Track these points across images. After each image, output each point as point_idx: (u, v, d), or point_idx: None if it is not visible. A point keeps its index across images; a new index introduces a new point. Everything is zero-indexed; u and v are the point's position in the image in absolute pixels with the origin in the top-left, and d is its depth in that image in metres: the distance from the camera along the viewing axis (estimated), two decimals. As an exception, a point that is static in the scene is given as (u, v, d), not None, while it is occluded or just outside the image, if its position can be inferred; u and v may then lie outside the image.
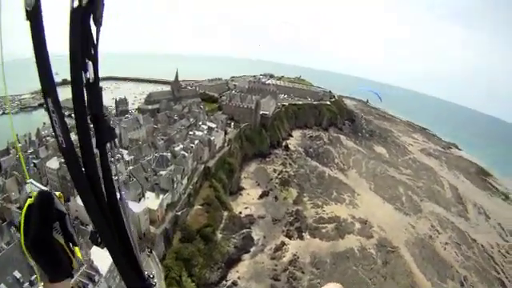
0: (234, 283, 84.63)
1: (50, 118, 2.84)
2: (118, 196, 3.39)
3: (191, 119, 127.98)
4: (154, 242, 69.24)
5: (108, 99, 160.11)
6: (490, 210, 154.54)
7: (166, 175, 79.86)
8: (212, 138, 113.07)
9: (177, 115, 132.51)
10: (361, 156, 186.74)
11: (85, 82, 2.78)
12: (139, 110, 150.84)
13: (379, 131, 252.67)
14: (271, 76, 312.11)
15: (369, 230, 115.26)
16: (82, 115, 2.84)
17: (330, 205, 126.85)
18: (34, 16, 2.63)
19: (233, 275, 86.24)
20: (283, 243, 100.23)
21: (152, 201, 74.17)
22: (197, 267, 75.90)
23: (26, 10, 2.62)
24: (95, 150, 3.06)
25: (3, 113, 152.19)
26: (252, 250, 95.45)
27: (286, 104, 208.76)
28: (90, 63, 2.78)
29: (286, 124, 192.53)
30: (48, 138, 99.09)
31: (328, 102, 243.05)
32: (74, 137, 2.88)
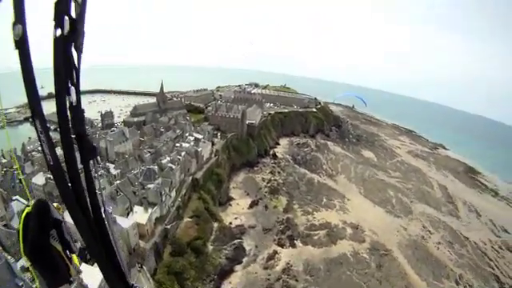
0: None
1: (39, 137, 3.25)
2: (102, 209, 3.79)
3: (178, 131, 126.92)
4: (144, 257, 67.78)
5: (94, 112, 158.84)
6: (480, 207, 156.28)
7: (153, 188, 78.55)
8: (199, 150, 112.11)
9: (163, 127, 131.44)
10: (349, 161, 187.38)
11: (68, 104, 3.20)
12: (125, 122, 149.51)
13: (366, 136, 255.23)
14: (256, 85, 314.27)
15: (361, 234, 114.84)
16: (67, 135, 3.25)
17: (321, 211, 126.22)
18: (22, 45, 2.99)
19: (226, 287, 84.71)
20: (275, 252, 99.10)
21: (140, 215, 72.79)
22: (189, 280, 74.44)
23: (15, 40, 2.98)
24: (79, 166, 3.43)
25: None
26: (244, 260, 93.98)
27: (272, 112, 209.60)
28: (73, 88, 3.22)
29: (272, 132, 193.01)
30: (34, 153, 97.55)
31: (314, 109, 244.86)
32: (59, 151, 3.26)
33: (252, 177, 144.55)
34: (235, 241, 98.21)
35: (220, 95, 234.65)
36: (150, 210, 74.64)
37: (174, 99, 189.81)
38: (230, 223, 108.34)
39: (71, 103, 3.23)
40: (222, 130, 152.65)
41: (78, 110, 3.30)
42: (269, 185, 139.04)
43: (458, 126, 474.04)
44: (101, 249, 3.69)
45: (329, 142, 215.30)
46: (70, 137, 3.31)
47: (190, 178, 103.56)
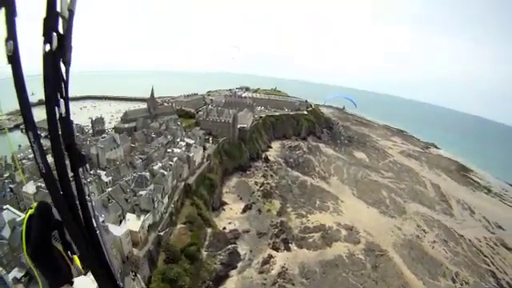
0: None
1: (32, 147, 3.51)
2: (93, 214, 3.93)
3: (169, 136, 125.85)
4: (138, 265, 66.79)
5: (85, 119, 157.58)
6: (473, 204, 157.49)
7: (145, 195, 77.52)
8: (191, 155, 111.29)
9: (154, 133, 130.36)
10: (341, 163, 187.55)
11: (58, 116, 3.38)
12: (116, 129, 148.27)
13: (358, 137, 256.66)
14: (247, 89, 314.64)
15: (355, 235, 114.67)
16: (58, 145, 3.44)
17: (315, 214, 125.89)
18: (14, 60, 3.22)
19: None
20: (270, 256, 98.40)
21: (133, 222, 71.80)
22: (184, 288, 73.80)
23: (7, 55, 3.21)
24: (70, 174, 3.68)
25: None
26: (239, 265, 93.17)
27: (264, 116, 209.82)
28: (62, 100, 3.40)
29: (264, 136, 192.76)
30: (24, 161, 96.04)
31: (305, 112, 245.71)
32: (50, 159, 3.51)
33: (245, 181, 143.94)
34: (229, 246, 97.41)
35: (211, 100, 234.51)
36: (142, 217, 73.72)
37: (165, 104, 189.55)
38: (224, 228, 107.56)
39: (60, 114, 3.39)
40: (214, 134, 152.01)
41: (67, 120, 3.45)
42: (262, 188, 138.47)
43: (448, 124, 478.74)
44: (92, 253, 3.83)
45: (320, 144, 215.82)
46: (61, 146, 3.48)
47: (183, 183, 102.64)
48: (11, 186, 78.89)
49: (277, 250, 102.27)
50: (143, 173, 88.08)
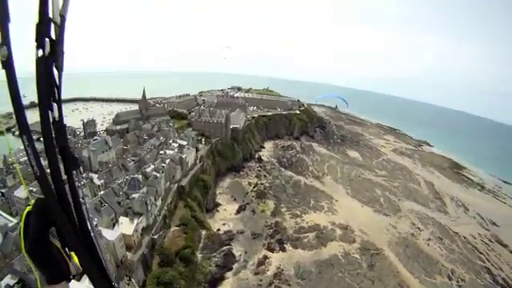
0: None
1: (26, 151, 3.51)
2: (86, 216, 4.04)
3: (161, 138, 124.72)
4: (132, 269, 65.85)
5: (77, 121, 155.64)
6: (467, 201, 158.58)
7: (138, 198, 76.53)
8: (183, 156, 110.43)
9: (146, 134, 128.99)
10: (335, 162, 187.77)
11: (51, 120, 3.47)
12: (107, 131, 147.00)
13: (351, 136, 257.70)
14: (239, 89, 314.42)
15: (350, 234, 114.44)
16: (51, 148, 3.52)
17: (309, 213, 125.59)
18: (8, 65, 3.26)
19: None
20: (266, 257, 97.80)
21: (126, 226, 70.88)
22: (179, 291, 72.93)
23: (1, 61, 3.23)
24: (64, 177, 3.79)
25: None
26: (234, 266, 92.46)
27: (256, 116, 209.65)
28: (55, 104, 3.50)
29: (257, 136, 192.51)
30: (15, 165, 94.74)
31: (298, 111, 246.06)
32: (44, 162, 3.56)
33: (238, 181, 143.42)
34: (224, 247, 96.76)
35: (203, 100, 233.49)
36: (135, 221, 72.77)
37: (157, 105, 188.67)
38: (218, 230, 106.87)
39: (54, 118, 3.47)
40: (206, 135, 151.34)
41: (60, 124, 3.54)
42: (255, 189, 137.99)
43: (440, 122, 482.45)
44: (87, 254, 3.90)
45: (314, 144, 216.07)
46: (55, 150, 3.57)
47: (176, 185, 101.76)
48: (2, 190, 77.83)
49: (272, 250, 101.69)
50: (136, 175, 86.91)
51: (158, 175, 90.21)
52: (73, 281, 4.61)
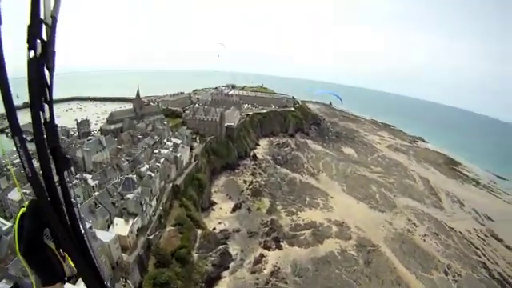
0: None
1: (18, 152, 3.45)
2: (78, 216, 4.05)
3: (155, 137, 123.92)
4: (128, 271, 65.32)
5: (70, 121, 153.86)
6: (463, 197, 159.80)
7: (133, 198, 75.93)
8: (178, 155, 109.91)
9: (140, 134, 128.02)
10: (330, 158, 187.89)
11: (43, 120, 3.49)
12: (101, 130, 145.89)
13: (345, 132, 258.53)
14: (233, 86, 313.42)
15: (346, 231, 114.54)
16: (43, 149, 3.50)
17: (305, 211, 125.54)
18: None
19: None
20: (262, 255, 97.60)
21: (121, 227, 70.26)
22: (176, 291, 72.51)
23: None
24: (55, 177, 3.79)
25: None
26: (231, 265, 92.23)
27: (251, 113, 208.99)
28: (46, 105, 3.51)
29: (252, 134, 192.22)
30: (9, 167, 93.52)
31: (292, 108, 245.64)
32: (36, 163, 3.53)
33: (233, 180, 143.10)
34: (220, 246, 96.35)
35: (197, 98, 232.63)
36: (130, 221, 72.13)
37: (151, 104, 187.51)
38: (214, 229, 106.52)
39: (45, 119, 3.51)
40: (201, 133, 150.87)
41: (51, 125, 3.60)
42: (250, 187, 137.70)
43: (434, 118, 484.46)
44: (79, 254, 3.91)
45: (308, 141, 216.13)
46: (46, 150, 3.56)
47: (171, 184, 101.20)
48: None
49: (268, 248, 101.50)
50: (130, 175, 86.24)
51: (153, 175, 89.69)
52: (68, 284, 4.60)
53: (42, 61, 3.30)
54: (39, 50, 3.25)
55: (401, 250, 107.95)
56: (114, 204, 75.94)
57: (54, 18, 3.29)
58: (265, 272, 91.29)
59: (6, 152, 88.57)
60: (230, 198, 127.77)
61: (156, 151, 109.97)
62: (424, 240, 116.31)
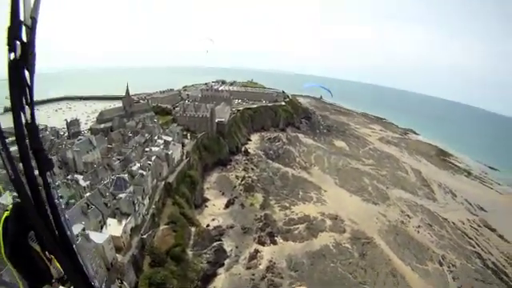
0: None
1: (0, 154, 3.54)
2: (62, 218, 4.08)
3: (146, 135, 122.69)
4: (123, 272, 64.63)
5: (60, 121, 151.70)
6: (455, 187, 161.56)
7: (125, 198, 75.03)
8: (169, 153, 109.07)
9: (131, 132, 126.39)
10: (321, 152, 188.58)
11: (24, 122, 3.50)
12: (92, 130, 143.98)
13: (337, 125, 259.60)
14: (223, 82, 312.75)
15: (340, 224, 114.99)
16: (25, 150, 3.53)
17: (298, 205, 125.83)
18: None
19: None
20: (257, 251, 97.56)
21: (115, 227, 69.47)
22: (172, 290, 72.02)
23: None
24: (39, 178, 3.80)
25: None
26: (226, 262, 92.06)
27: (241, 109, 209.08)
28: (27, 106, 3.52)
29: (243, 129, 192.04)
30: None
31: (283, 103, 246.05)
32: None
33: (225, 175, 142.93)
34: (215, 243, 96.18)
35: (187, 95, 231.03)
36: (123, 221, 71.35)
37: (141, 102, 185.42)
38: (208, 225, 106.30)
39: (26, 120, 3.53)
40: (192, 130, 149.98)
41: (32, 126, 3.59)
42: (243, 182, 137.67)
43: (425, 110, 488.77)
44: (64, 255, 3.99)
45: (300, 135, 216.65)
46: (28, 152, 3.60)
47: (163, 182, 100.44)
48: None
49: (263, 244, 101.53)
50: (122, 175, 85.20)
51: (145, 173, 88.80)
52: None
53: (21, 62, 3.31)
54: (19, 51, 3.25)
55: (395, 242, 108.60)
56: (106, 204, 75.00)
57: (34, 19, 3.31)
58: (260, 267, 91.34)
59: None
60: (222, 194, 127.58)
61: (147, 149, 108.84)
62: (418, 231, 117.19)
